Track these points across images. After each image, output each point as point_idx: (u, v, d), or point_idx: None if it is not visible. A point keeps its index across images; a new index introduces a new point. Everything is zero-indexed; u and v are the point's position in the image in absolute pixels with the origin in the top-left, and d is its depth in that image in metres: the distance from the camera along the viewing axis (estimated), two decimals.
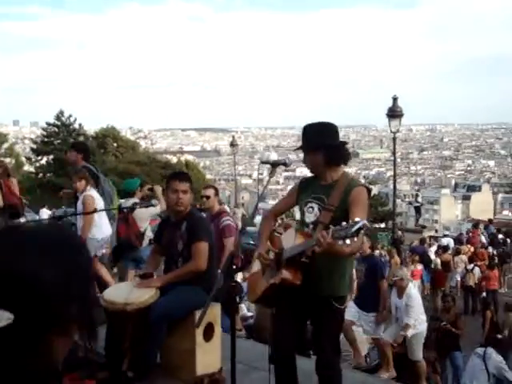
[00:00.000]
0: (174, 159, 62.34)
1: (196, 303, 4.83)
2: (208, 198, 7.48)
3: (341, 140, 4.19)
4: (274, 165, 3.92)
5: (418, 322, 8.68)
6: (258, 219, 28.37)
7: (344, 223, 3.34)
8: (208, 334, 4.99)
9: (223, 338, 5.12)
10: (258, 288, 4.23)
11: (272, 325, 4.25)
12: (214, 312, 5.01)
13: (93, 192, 7.24)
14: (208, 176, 78.41)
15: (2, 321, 1.02)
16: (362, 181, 3.94)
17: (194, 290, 4.86)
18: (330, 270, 3.94)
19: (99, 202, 7.23)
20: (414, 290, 9.29)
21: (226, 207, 30.27)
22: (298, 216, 4.53)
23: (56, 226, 1.25)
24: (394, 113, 21.74)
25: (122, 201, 8.38)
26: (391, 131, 22.19)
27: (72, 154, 7.87)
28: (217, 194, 7.72)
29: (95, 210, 6.95)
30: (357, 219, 3.31)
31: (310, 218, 4.05)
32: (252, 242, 21.92)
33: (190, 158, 74.13)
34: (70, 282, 1.09)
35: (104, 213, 7.36)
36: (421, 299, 9.31)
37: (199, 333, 4.89)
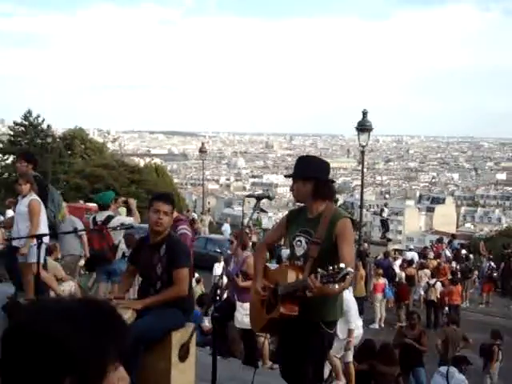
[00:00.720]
0: (142, 162, 62.09)
1: (173, 324, 4.90)
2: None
3: (330, 178, 4.40)
4: (259, 198, 4.06)
5: (355, 327, 8.75)
6: (225, 227, 28.48)
7: (331, 268, 3.51)
8: (183, 354, 5.05)
9: (197, 357, 5.21)
10: (259, 321, 4.43)
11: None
12: (189, 332, 5.08)
13: (36, 197, 7.29)
14: (175, 180, 78.20)
15: None
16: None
17: (170, 311, 4.91)
18: (323, 297, 4.00)
19: (42, 208, 7.31)
20: (349, 295, 9.10)
21: (194, 214, 30.38)
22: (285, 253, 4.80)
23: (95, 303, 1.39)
24: (363, 127, 22.00)
25: (97, 214, 8.39)
26: (360, 145, 22.49)
27: (22, 164, 7.95)
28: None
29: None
30: (342, 265, 3.50)
31: (299, 251, 4.23)
32: (218, 250, 22.04)
33: (157, 161, 73.65)
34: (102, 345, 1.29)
35: (45, 219, 7.37)
36: (356, 304, 9.28)
37: (174, 353, 4.95)
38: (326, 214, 4.18)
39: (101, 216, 8.18)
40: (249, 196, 4.46)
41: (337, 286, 3.54)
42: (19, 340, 1.25)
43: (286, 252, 22.78)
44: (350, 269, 3.50)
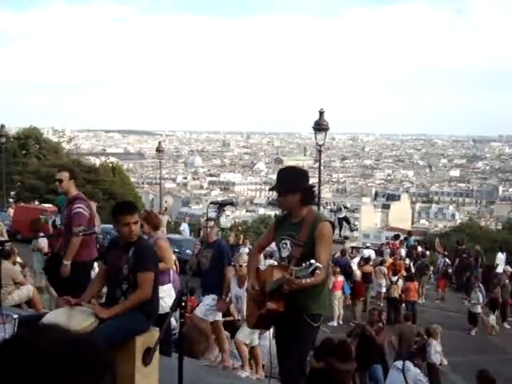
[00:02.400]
0: (97, 161, 61.40)
1: (136, 328, 4.92)
2: (61, 181, 7.11)
3: (310, 184, 4.89)
4: (222, 205, 4.20)
5: None
6: (183, 226, 28.31)
7: (303, 264, 3.98)
8: (147, 358, 5.07)
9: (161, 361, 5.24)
10: (252, 318, 4.90)
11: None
12: (153, 336, 5.10)
13: None
14: (132, 179, 77.60)
15: None
16: None
17: (134, 315, 4.94)
18: (306, 292, 4.35)
19: None
20: None
21: None
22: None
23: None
24: (320, 126, 22.23)
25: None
26: (317, 144, 22.73)
27: None
28: (72, 177, 7.21)
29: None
30: (312, 261, 3.96)
31: (284, 252, 4.66)
32: (177, 250, 21.96)
33: (113, 159, 72.92)
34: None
35: None
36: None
37: (138, 357, 4.97)
38: (308, 218, 4.60)
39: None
40: (212, 203, 4.57)
41: (308, 280, 3.97)
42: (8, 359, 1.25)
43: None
44: (317, 264, 3.94)
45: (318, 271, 3.94)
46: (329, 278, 6.66)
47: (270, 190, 5.05)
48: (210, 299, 8.23)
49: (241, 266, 8.30)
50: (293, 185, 4.61)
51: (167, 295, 7.19)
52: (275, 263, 4.91)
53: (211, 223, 8.75)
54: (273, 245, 5.26)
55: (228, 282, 8.32)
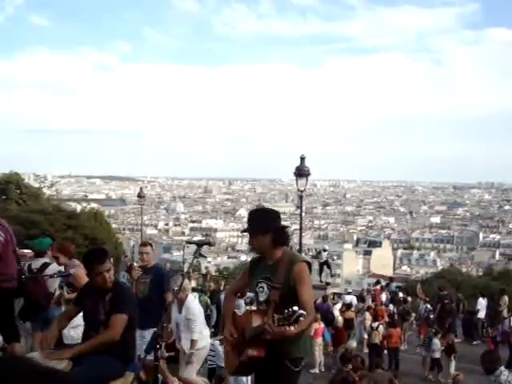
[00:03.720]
0: (79, 207, 61.11)
1: (110, 373, 4.81)
2: None
3: (282, 224, 4.75)
4: (199, 244, 4.16)
5: (200, 337, 8.25)
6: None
7: (286, 311, 3.87)
8: None
9: None
10: (231, 365, 4.69)
11: None
12: (128, 382, 4.99)
13: None
14: (113, 225, 77.16)
15: None
16: None
17: (108, 360, 4.83)
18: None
19: None
20: (193, 302, 8.51)
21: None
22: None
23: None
24: (301, 172, 22.31)
25: (32, 261, 8.19)
26: (298, 190, 22.77)
27: None
28: None
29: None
30: (295, 308, 3.87)
31: (262, 296, 4.54)
32: None
33: (94, 206, 72.62)
34: None
35: None
36: (203, 312, 8.66)
37: None
38: (283, 259, 4.50)
39: (36, 263, 7.99)
40: (189, 242, 4.58)
41: (292, 328, 3.87)
42: None
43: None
44: (301, 311, 3.88)
45: (301, 318, 3.88)
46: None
47: (242, 232, 4.88)
48: (150, 335, 7.48)
49: (179, 290, 7.66)
50: (263, 225, 4.53)
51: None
52: (253, 308, 4.78)
53: (148, 248, 8.31)
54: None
55: (170, 307, 7.96)
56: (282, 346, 4.25)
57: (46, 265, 7.88)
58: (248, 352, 4.33)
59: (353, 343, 17.82)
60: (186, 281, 9.06)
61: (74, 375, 4.68)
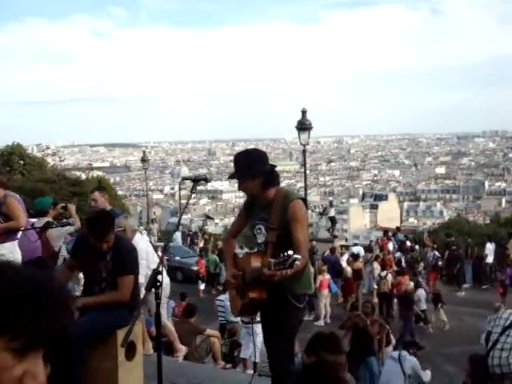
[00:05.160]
0: (83, 176, 61.00)
1: (117, 322, 4.80)
2: None
3: (271, 164, 4.52)
4: (196, 180, 4.05)
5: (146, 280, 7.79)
6: (175, 235, 28.21)
7: (282, 256, 3.78)
8: (130, 352, 4.95)
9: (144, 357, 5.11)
10: (235, 307, 4.70)
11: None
12: (136, 331, 4.97)
13: None
14: (119, 192, 77.13)
15: None
16: None
17: (115, 310, 4.83)
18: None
19: None
20: (142, 241, 7.85)
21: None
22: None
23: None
24: (303, 126, 22.14)
25: (35, 220, 8.14)
26: (301, 144, 22.62)
27: None
28: None
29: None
30: (290, 253, 3.77)
31: (260, 238, 4.45)
32: (166, 257, 21.83)
33: (99, 174, 72.54)
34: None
35: None
36: (153, 251, 7.97)
37: (121, 352, 4.84)
38: (277, 198, 4.35)
39: (39, 223, 7.94)
40: (184, 178, 4.43)
41: (289, 272, 3.79)
42: None
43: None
44: (296, 255, 3.77)
45: (297, 262, 3.79)
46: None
47: (229, 178, 4.71)
48: None
49: (123, 230, 7.01)
50: (251, 169, 4.32)
51: (9, 252, 6.68)
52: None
53: (96, 194, 7.76)
54: None
55: None
56: (285, 283, 4.15)
57: (49, 224, 7.83)
58: (249, 295, 4.31)
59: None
60: (132, 219, 9.18)
61: (80, 324, 4.68)
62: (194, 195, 4.34)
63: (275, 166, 4.61)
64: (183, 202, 34.50)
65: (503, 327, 6.34)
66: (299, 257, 3.80)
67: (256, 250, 4.52)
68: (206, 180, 4.19)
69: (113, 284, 5.00)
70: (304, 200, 4.49)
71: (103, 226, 5.01)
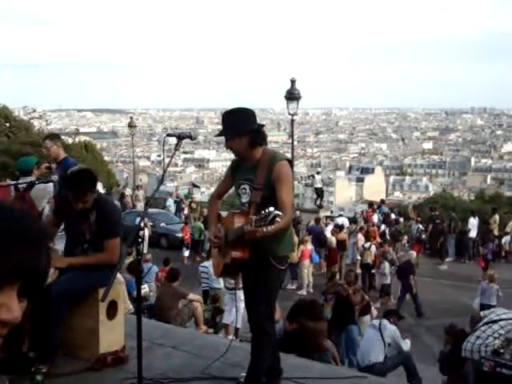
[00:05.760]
0: (70, 140, 60.53)
1: (98, 280, 4.77)
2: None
3: (259, 123, 4.49)
4: (180, 137, 4.02)
5: None
6: (169, 202, 28.12)
7: (262, 212, 3.80)
8: (111, 311, 4.95)
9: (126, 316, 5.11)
10: (217, 267, 4.65)
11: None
12: (118, 289, 4.98)
13: None
14: (106, 158, 76.73)
15: None
16: None
17: (97, 269, 4.80)
18: (270, 235, 4.10)
19: None
20: None
21: (128, 190, 29.89)
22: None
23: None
24: (291, 95, 22.07)
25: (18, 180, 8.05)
26: (289, 113, 22.55)
27: None
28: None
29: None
30: (271, 209, 3.79)
31: (244, 198, 4.43)
32: (151, 224, 21.81)
33: (86, 139, 71.98)
34: None
35: None
36: None
37: (102, 311, 4.84)
38: (263, 159, 4.34)
39: (22, 183, 7.86)
40: (169, 135, 4.37)
41: (269, 228, 3.81)
42: None
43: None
44: (276, 212, 3.78)
45: (277, 219, 3.80)
46: (293, 216, 6.19)
47: (216, 136, 4.68)
48: None
49: None
50: (238, 128, 4.32)
51: None
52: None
53: (47, 142, 7.87)
54: None
55: None
56: (266, 244, 4.19)
57: (32, 183, 7.75)
58: (232, 254, 4.28)
59: None
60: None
61: (61, 283, 4.66)
62: (177, 153, 4.30)
63: (263, 126, 4.57)
64: (167, 160, 34.22)
65: (490, 319, 6.41)
66: (280, 213, 3.81)
67: (240, 210, 4.50)
68: (191, 137, 4.16)
69: (96, 245, 4.95)
70: (290, 161, 4.47)
71: (81, 186, 4.89)
